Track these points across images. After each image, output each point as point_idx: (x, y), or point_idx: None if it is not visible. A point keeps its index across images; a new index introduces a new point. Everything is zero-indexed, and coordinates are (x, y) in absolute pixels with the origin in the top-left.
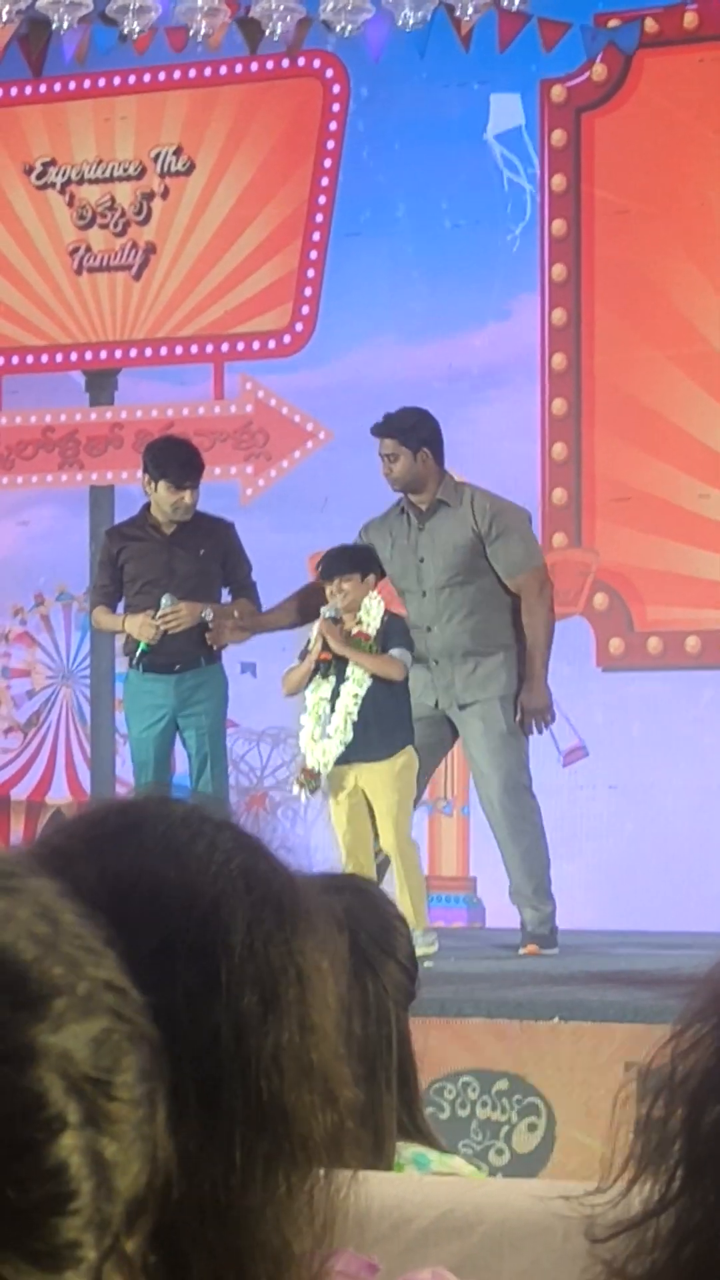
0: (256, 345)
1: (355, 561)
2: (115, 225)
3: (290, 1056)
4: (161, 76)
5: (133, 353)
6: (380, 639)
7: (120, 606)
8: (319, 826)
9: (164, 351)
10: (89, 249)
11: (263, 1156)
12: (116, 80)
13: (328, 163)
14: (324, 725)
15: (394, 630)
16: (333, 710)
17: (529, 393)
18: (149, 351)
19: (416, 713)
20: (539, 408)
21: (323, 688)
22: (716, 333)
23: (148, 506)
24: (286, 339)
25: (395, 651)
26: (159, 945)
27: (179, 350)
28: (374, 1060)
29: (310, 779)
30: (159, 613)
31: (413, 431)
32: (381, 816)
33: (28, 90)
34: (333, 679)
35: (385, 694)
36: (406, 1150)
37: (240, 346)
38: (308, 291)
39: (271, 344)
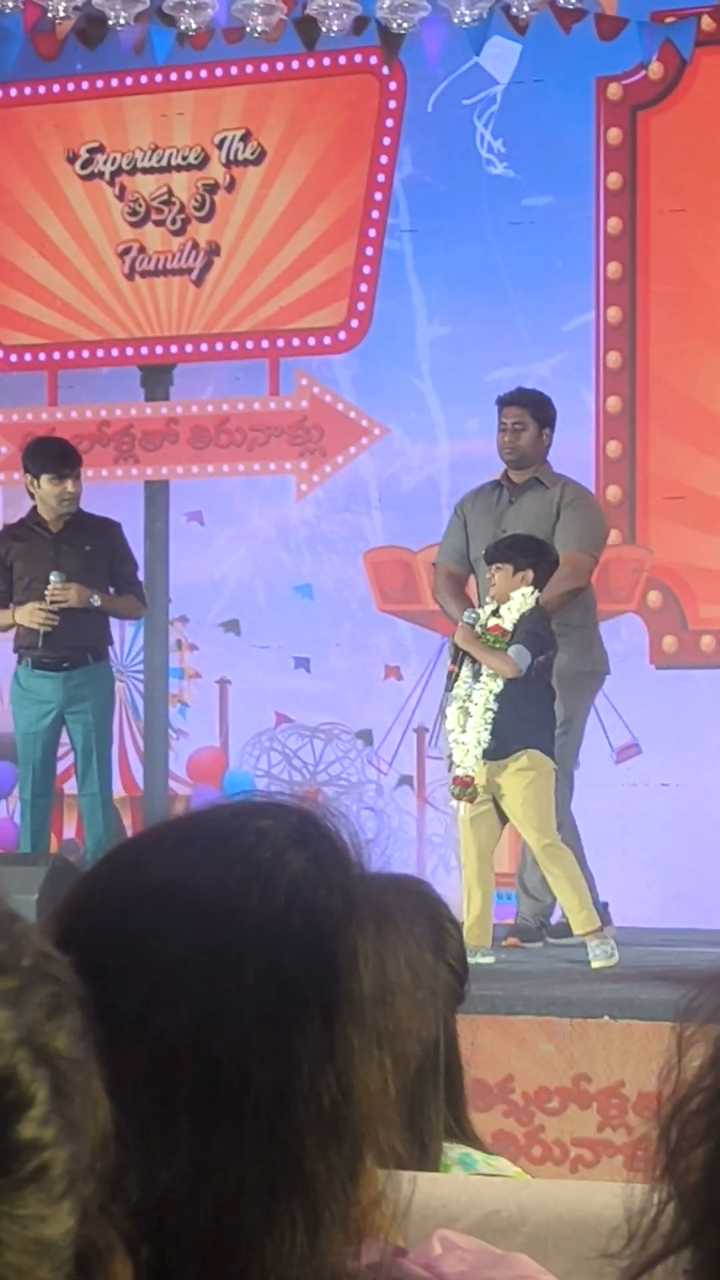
0: (312, 341)
1: (513, 551)
2: (172, 221)
3: (301, 1091)
4: (219, 73)
5: (188, 348)
6: (515, 634)
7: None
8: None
9: (219, 347)
10: (143, 249)
11: (259, 1192)
12: (174, 76)
13: (384, 159)
14: (463, 728)
15: (526, 626)
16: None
17: (584, 390)
18: (204, 347)
19: None
20: (594, 405)
21: (459, 689)
22: None
23: (35, 508)
24: (342, 335)
25: (511, 650)
26: (175, 960)
27: (234, 346)
28: (421, 1063)
29: (463, 787)
30: (48, 588)
31: (542, 408)
32: (516, 823)
33: (84, 85)
34: (468, 681)
35: (518, 692)
36: (453, 1151)
37: (296, 342)
38: (363, 288)
39: (327, 340)
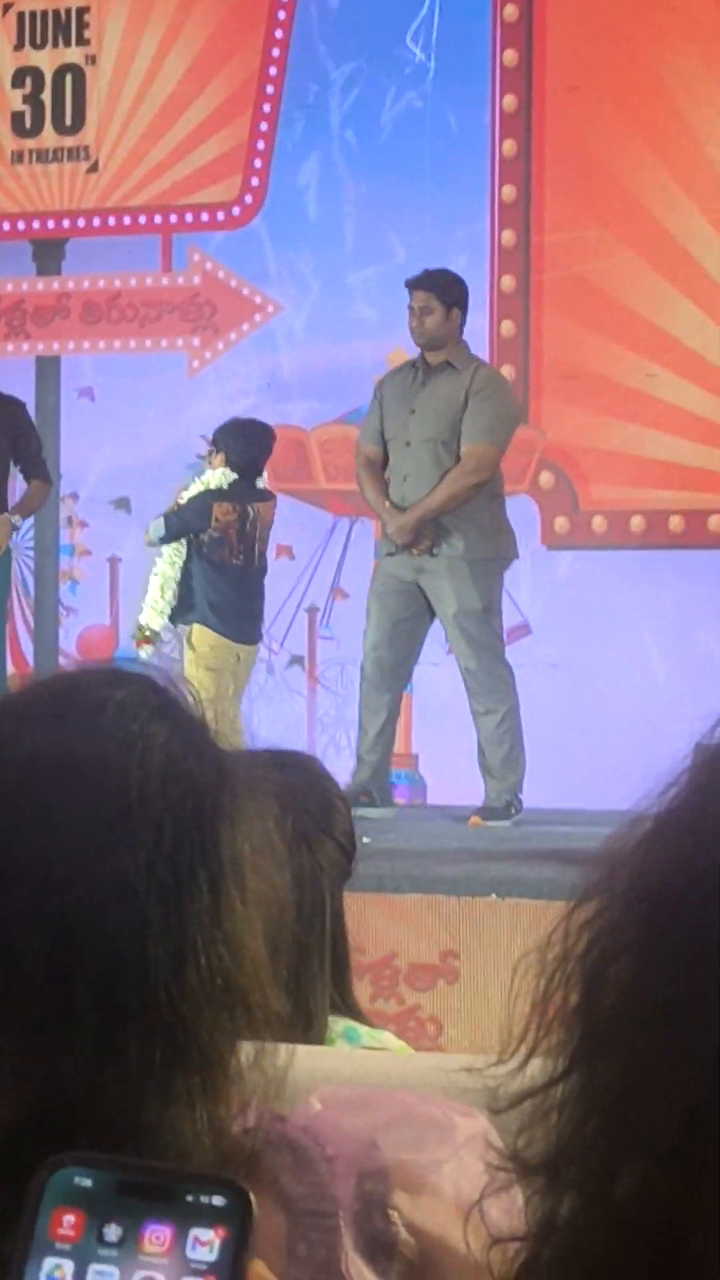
0: (205, 217)
1: None
2: (62, 99)
3: (195, 966)
4: None
5: (81, 223)
6: None
7: None
8: (282, 702)
9: (112, 222)
10: (33, 129)
11: (161, 1069)
12: None
13: (279, 33)
14: None
15: None
16: None
17: (478, 269)
18: (97, 221)
19: (389, 586)
20: (488, 284)
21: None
22: (666, 212)
23: None
24: (236, 211)
25: None
26: (66, 843)
27: (127, 221)
28: (306, 937)
29: None
30: None
31: (449, 289)
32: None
33: None
34: None
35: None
36: (338, 1025)
37: (189, 218)
38: (257, 164)
39: (221, 215)
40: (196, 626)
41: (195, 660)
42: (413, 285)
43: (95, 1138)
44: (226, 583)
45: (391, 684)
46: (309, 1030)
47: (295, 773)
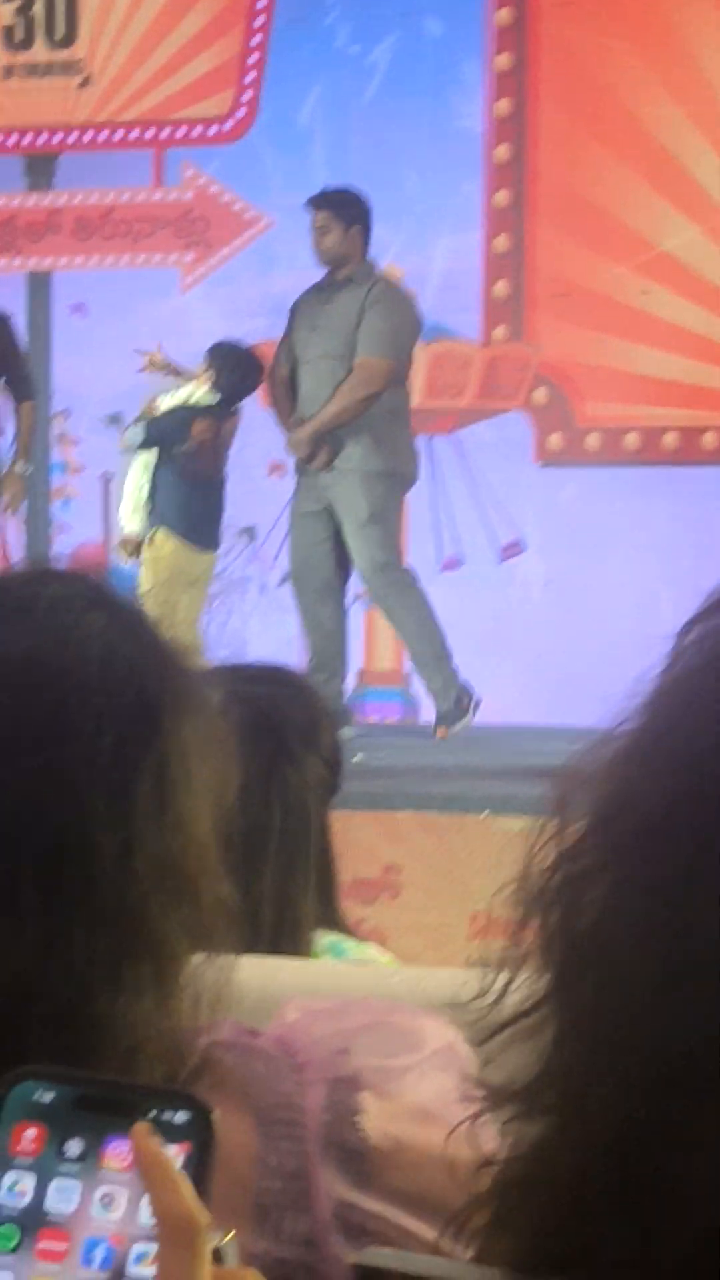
0: (198, 131)
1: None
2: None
3: (142, 853)
4: None
5: (73, 137)
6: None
7: None
8: (274, 620)
9: (104, 136)
10: (23, 40)
11: (108, 958)
12: None
13: None
14: None
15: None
16: None
17: (473, 184)
18: (89, 136)
19: (302, 510)
20: (481, 199)
21: None
22: (662, 128)
23: None
24: (228, 125)
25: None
26: (3, 736)
27: (119, 135)
28: (292, 852)
29: None
30: None
31: (348, 208)
32: None
33: None
34: None
35: None
36: (324, 939)
37: (181, 132)
38: (250, 78)
39: (213, 130)
40: (160, 530)
41: (156, 563)
42: (312, 204)
43: (43, 1028)
44: (193, 493)
45: (324, 600)
46: (295, 943)
47: (281, 688)
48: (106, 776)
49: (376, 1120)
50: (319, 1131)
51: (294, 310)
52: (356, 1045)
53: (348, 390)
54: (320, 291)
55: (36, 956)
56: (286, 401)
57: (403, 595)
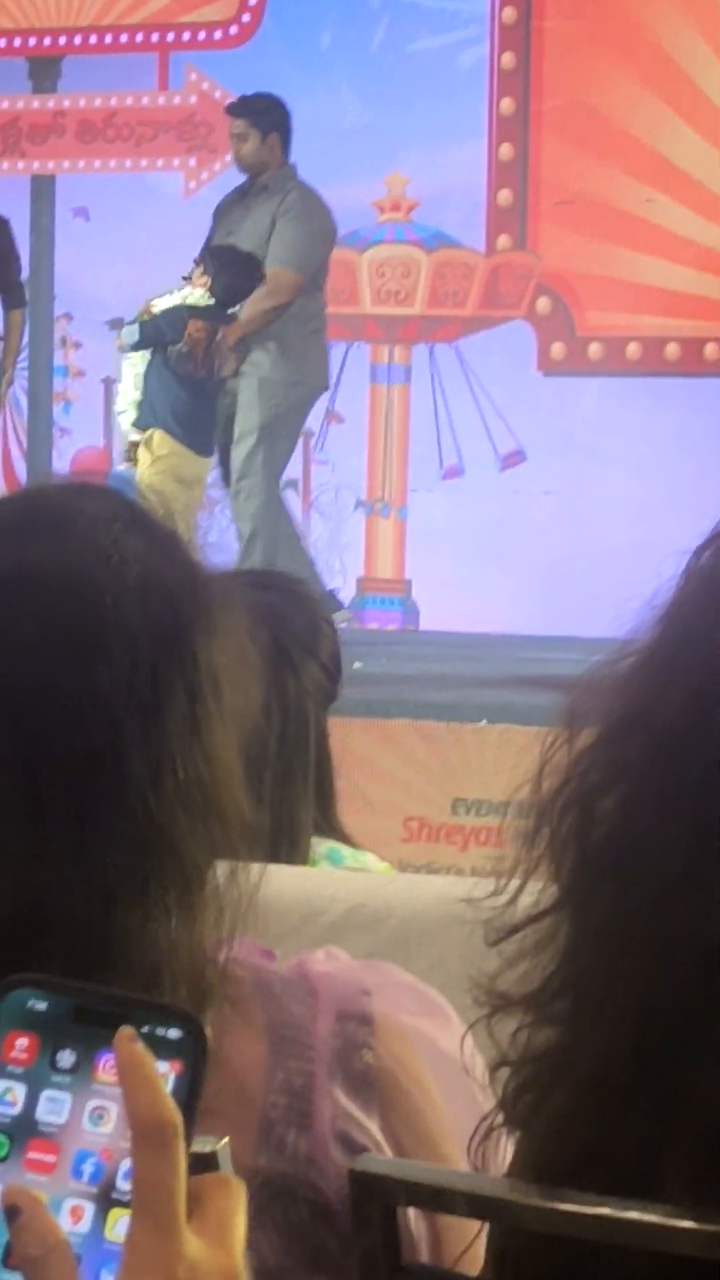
0: (202, 35)
1: (206, 256)
2: None
3: (171, 774)
4: None
5: (76, 39)
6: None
7: None
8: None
9: (108, 39)
10: None
11: (134, 876)
12: None
13: None
14: None
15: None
16: None
17: (477, 91)
18: (93, 39)
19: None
20: (487, 106)
21: None
22: (667, 35)
23: None
24: (233, 30)
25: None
26: (39, 656)
27: (124, 38)
28: (290, 759)
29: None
30: None
31: (265, 115)
32: None
33: None
34: None
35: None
36: (321, 846)
37: (186, 36)
38: None
39: (217, 35)
40: (157, 432)
41: (154, 465)
42: (230, 111)
43: (67, 943)
44: (187, 393)
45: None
46: (293, 850)
47: (280, 594)
48: (140, 698)
49: (388, 1057)
50: (327, 1056)
51: (216, 215)
52: (381, 995)
53: (256, 300)
54: (242, 197)
55: (63, 871)
56: None
57: (253, 513)
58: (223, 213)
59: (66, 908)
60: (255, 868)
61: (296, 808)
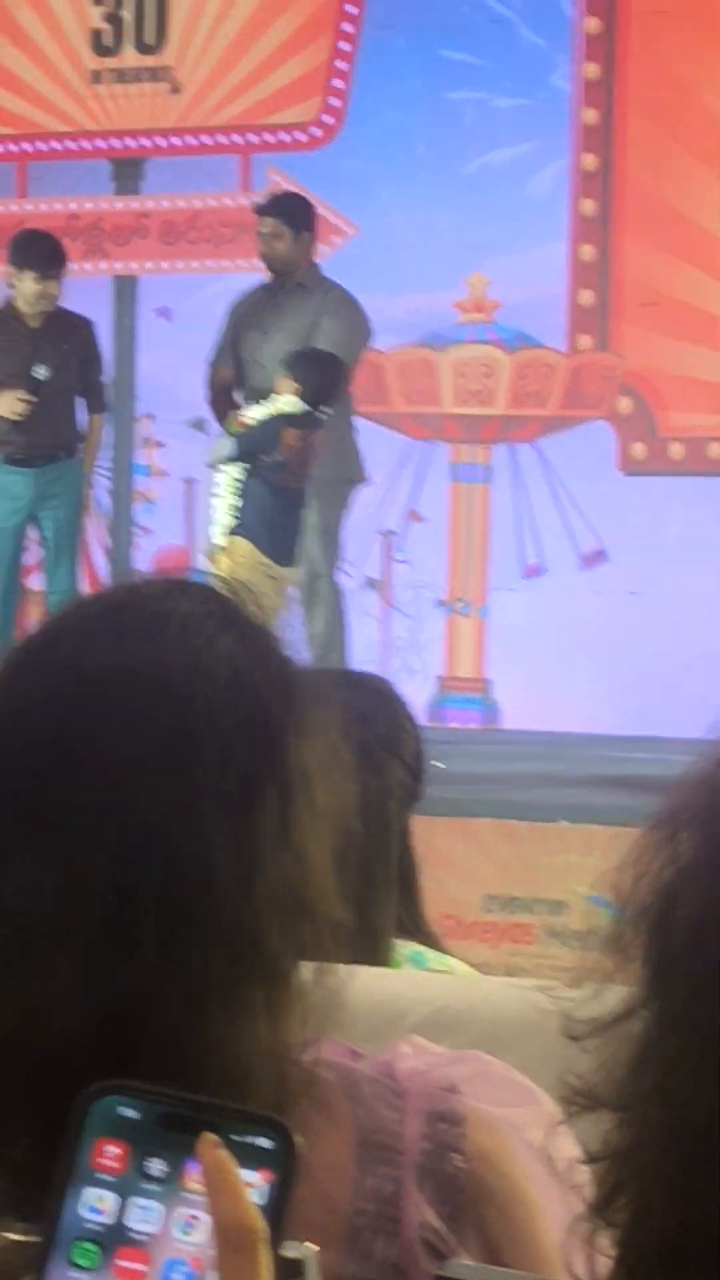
0: (285, 137)
1: (292, 360)
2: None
3: (262, 878)
4: None
5: (161, 141)
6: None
7: None
8: (356, 626)
9: (192, 141)
10: (115, 51)
11: (223, 981)
12: None
13: None
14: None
15: (255, 426)
16: None
17: (559, 193)
18: (177, 141)
19: None
20: (568, 208)
21: None
22: None
23: (11, 299)
24: (315, 131)
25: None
26: (131, 758)
27: (207, 140)
28: (373, 859)
29: None
30: (36, 382)
31: (297, 214)
32: None
33: None
34: None
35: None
36: (404, 948)
37: (268, 138)
38: (337, 84)
39: (300, 136)
40: (243, 542)
41: (235, 570)
42: (261, 211)
43: (156, 1049)
44: (276, 502)
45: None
46: (375, 952)
47: (365, 694)
48: (230, 800)
49: (478, 1158)
50: (417, 1160)
51: (237, 313)
52: (468, 1088)
53: None
54: (270, 295)
55: (153, 977)
56: (225, 404)
57: (319, 609)
58: (246, 312)
59: (157, 1011)
60: (341, 969)
61: (379, 908)
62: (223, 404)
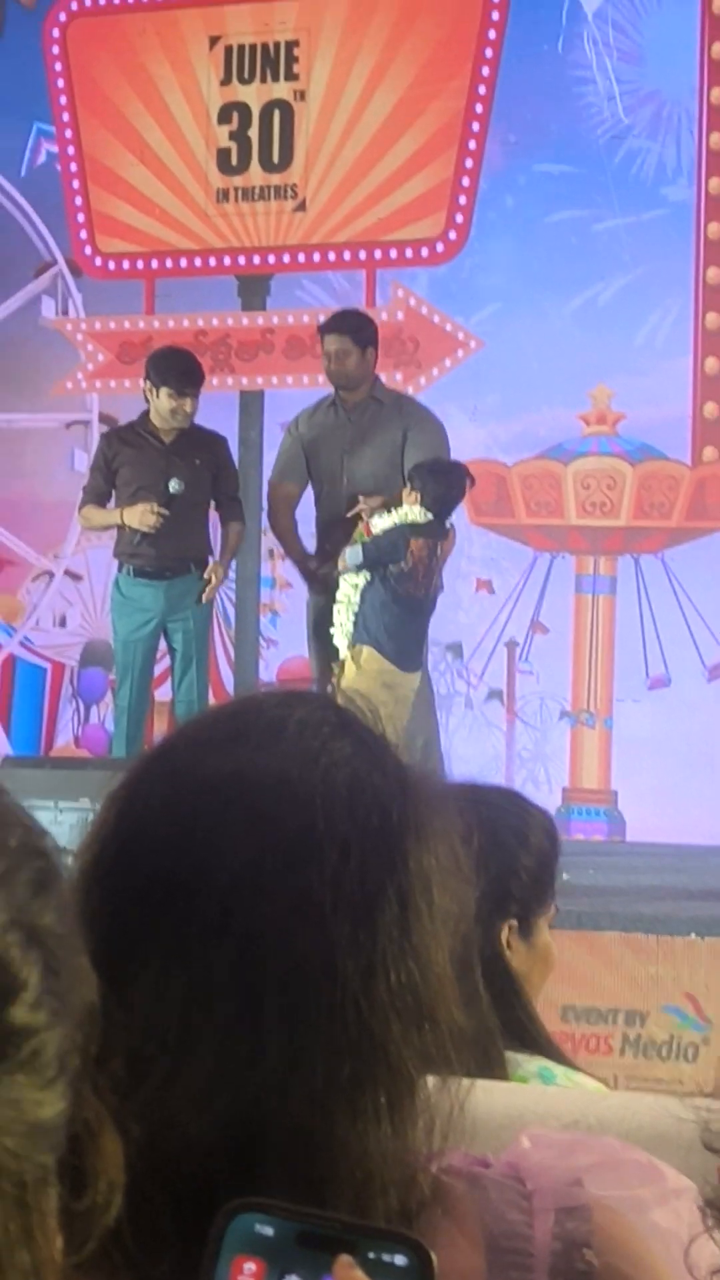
0: (409, 253)
1: (414, 471)
2: (270, 138)
3: (384, 979)
4: None
5: (286, 258)
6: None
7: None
8: (480, 736)
9: (316, 258)
10: (240, 166)
11: (347, 1083)
12: None
13: (485, 70)
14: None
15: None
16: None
17: (684, 307)
18: (301, 257)
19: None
20: (693, 322)
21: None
22: None
23: (146, 414)
24: (440, 247)
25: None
26: (251, 859)
27: (332, 256)
28: (487, 967)
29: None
30: (168, 495)
31: (361, 331)
32: None
33: None
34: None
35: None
36: (531, 1064)
37: (393, 254)
38: (462, 200)
39: (425, 252)
40: (367, 649)
41: (359, 679)
42: (325, 330)
43: (283, 1153)
44: (404, 612)
45: None
46: (486, 1061)
47: (488, 807)
48: (351, 902)
49: (608, 1253)
50: (547, 1261)
51: (305, 431)
52: (591, 1179)
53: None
54: (344, 413)
55: (278, 1079)
56: (287, 520)
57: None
58: (320, 432)
59: (282, 1114)
60: (465, 1081)
61: (489, 1016)
62: (285, 520)
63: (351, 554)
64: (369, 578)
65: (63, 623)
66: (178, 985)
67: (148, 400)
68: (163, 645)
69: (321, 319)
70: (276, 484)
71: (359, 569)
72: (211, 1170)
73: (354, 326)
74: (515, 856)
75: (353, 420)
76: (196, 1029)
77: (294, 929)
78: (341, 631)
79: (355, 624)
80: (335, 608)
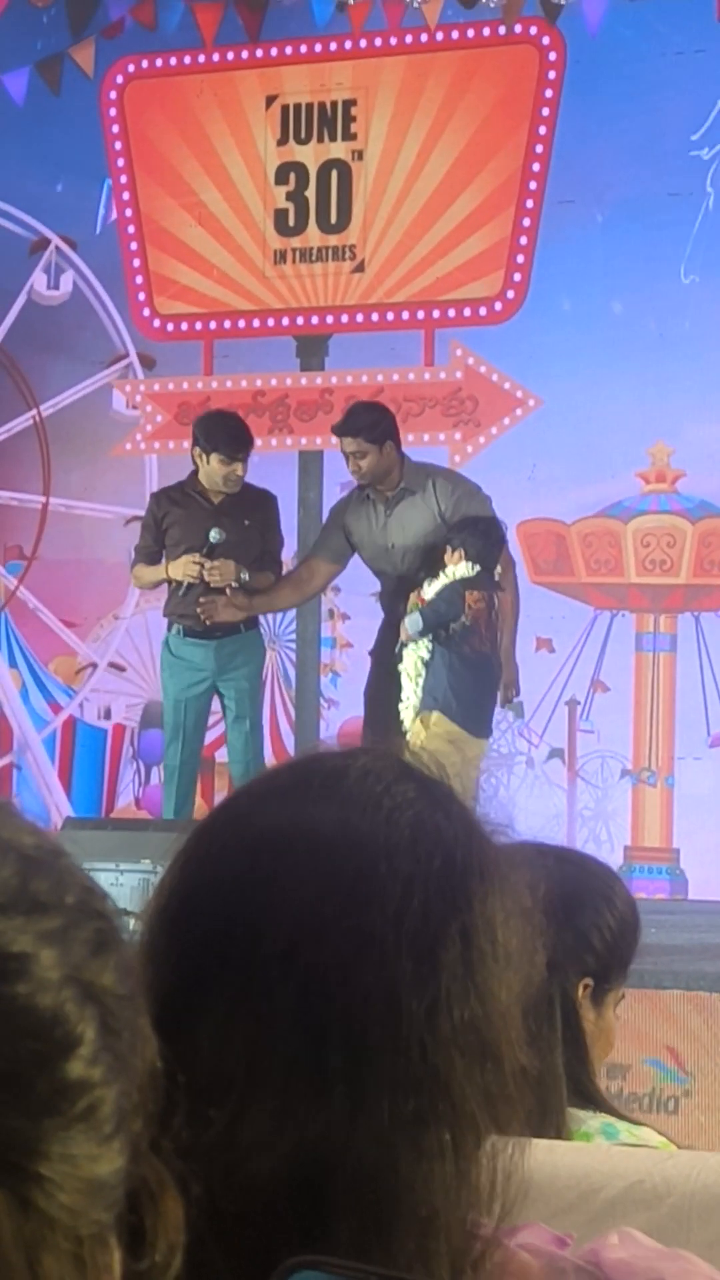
0: (468, 312)
1: (451, 531)
2: (328, 200)
3: (447, 1019)
4: (378, 43)
5: (344, 318)
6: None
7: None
8: (534, 794)
9: (375, 318)
10: (298, 229)
11: (411, 1123)
12: (333, 45)
13: (542, 130)
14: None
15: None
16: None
17: None
18: (360, 317)
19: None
20: None
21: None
22: None
23: (195, 473)
24: (498, 306)
25: (407, 619)
26: (314, 898)
27: (390, 316)
28: (549, 1030)
29: None
30: (208, 544)
31: (374, 428)
32: None
33: (244, 55)
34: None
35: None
36: (594, 1120)
37: (451, 313)
38: (520, 259)
39: (483, 311)
40: (436, 714)
41: (427, 741)
42: (338, 432)
43: (348, 1192)
44: (469, 672)
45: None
46: (545, 1118)
47: (579, 866)
48: (414, 942)
49: None
50: None
51: (344, 520)
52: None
53: (503, 587)
54: (372, 507)
55: (343, 1119)
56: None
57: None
58: (359, 524)
59: (347, 1153)
60: (535, 1142)
61: (551, 1074)
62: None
63: (411, 622)
64: (431, 648)
65: (107, 715)
66: (243, 1026)
67: (196, 464)
68: (218, 706)
69: (380, 378)
70: (314, 559)
71: (420, 634)
72: (274, 1218)
73: (366, 425)
74: (600, 913)
75: (390, 512)
76: (262, 1068)
77: (357, 967)
78: (408, 705)
79: (422, 693)
80: (402, 681)
